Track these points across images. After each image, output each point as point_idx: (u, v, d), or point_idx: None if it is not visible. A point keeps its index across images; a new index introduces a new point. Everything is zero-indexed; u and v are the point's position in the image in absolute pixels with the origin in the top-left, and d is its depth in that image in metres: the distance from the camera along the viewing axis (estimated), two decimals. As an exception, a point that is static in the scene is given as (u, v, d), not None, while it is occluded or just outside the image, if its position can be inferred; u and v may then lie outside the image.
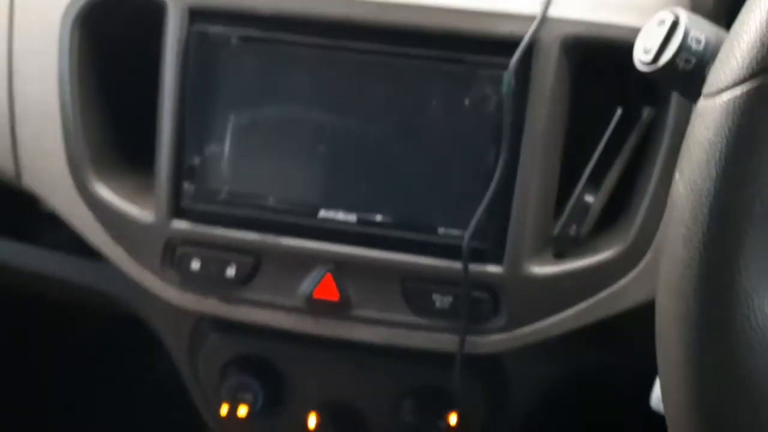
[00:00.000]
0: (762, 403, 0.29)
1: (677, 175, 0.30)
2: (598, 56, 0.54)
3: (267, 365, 0.66)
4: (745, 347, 0.29)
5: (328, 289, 0.57)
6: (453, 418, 0.64)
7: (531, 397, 0.67)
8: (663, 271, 0.31)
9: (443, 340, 0.58)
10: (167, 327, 0.70)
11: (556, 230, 0.57)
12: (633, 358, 0.63)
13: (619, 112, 0.55)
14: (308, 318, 0.59)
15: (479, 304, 0.56)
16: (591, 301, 0.56)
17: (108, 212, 0.60)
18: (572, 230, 0.56)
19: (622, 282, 0.56)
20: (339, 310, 0.58)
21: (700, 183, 0.29)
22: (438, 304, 0.56)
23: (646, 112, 0.55)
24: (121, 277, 0.70)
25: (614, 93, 0.56)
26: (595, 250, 0.56)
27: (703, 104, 0.29)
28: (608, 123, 0.55)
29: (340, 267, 0.57)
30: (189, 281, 0.59)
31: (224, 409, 0.66)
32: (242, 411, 0.66)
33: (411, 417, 0.65)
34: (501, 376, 0.66)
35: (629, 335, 0.63)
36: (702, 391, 0.30)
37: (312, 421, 0.67)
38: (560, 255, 0.57)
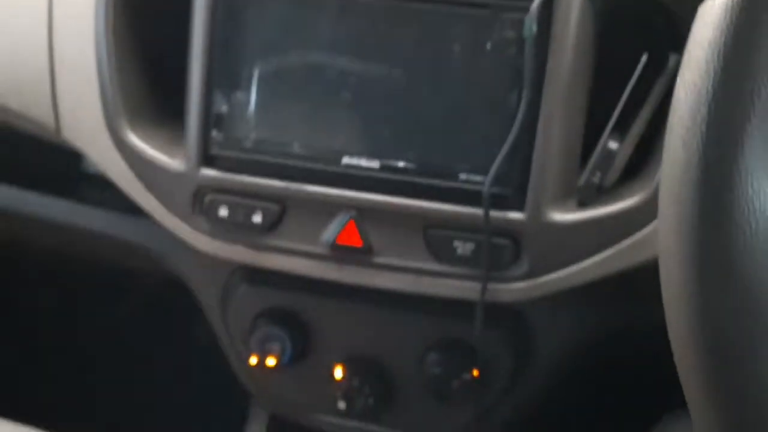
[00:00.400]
0: (762, 307, 0.29)
1: (678, 80, 0.30)
2: (623, 1, 0.53)
3: (295, 318, 0.67)
4: (745, 249, 0.28)
5: (351, 236, 0.58)
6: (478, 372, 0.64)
7: (555, 354, 0.66)
8: (663, 177, 0.31)
9: (465, 288, 0.58)
10: (200, 281, 0.72)
11: (582, 180, 0.56)
12: (659, 315, 0.63)
13: (644, 58, 0.55)
14: (332, 265, 0.60)
15: (500, 250, 0.56)
16: (614, 249, 0.56)
17: (141, 161, 0.62)
18: (597, 178, 0.56)
19: (646, 230, 0.55)
20: (362, 256, 0.59)
21: (699, 83, 0.28)
22: (460, 250, 0.56)
23: (673, 59, 0.55)
24: (157, 231, 0.72)
25: (640, 39, 0.55)
26: (619, 199, 0.56)
27: (703, 6, 0.29)
28: (634, 70, 0.55)
29: (363, 213, 0.58)
30: (218, 228, 0.61)
31: (253, 360, 0.68)
32: (271, 362, 0.67)
33: (435, 370, 0.65)
34: (524, 331, 0.65)
35: (656, 290, 0.62)
36: (701, 294, 0.30)
37: (338, 372, 0.68)
38: (584, 204, 0.56)
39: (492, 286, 0.57)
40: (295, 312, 0.67)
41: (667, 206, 0.30)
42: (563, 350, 0.66)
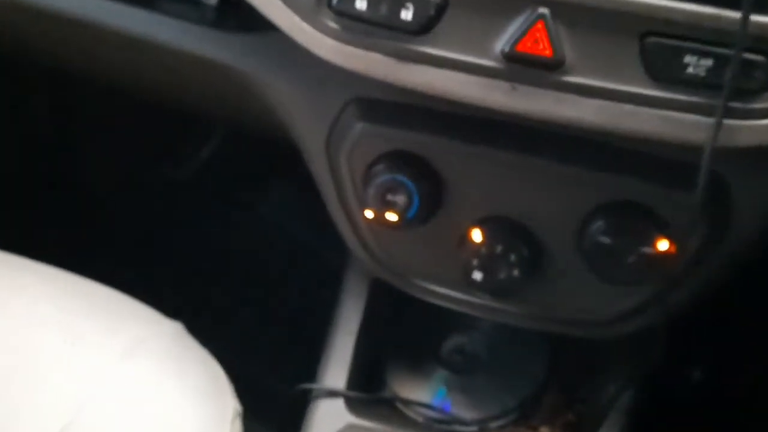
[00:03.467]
0: None
1: None
2: None
3: (424, 164, 0.53)
4: None
5: (537, 42, 0.43)
6: (663, 244, 0.50)
7: (753, 230, 0.52)
8: None
9: (687, 124, 0.43)
10: (303, 115, 0.57)
11: None
12: None
13: None
14: (502, 84, 0.45)
15: (751, 70, 0.40)
16: None
17: None
18: None
19: None
20: (548, 73, 0.43)
21: None
22: (691, 69, 0.41)
23: None
24: (251, 49, 0.58)
25: None
26: None
27: None
28: None
29: (556, 12, 0.42)
30: (350, 29, 0.46)
31: (369, 214, 0.54)
32: (391, 217, 0.53)
33: (604, 239, 0.51)
34: (723, 196, 0.51)
35: None
36: None
37: (477, 235, 0.54)
38: None
39: (728, 123, 0.42)
40: (423, 157, 0.53)
41: None
42: (763, 225, 0.52)
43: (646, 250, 0.50)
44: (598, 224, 0.51)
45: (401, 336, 0.68)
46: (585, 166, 0.51)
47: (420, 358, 0.67)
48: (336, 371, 0.63)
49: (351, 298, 0.66)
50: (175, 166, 0.98)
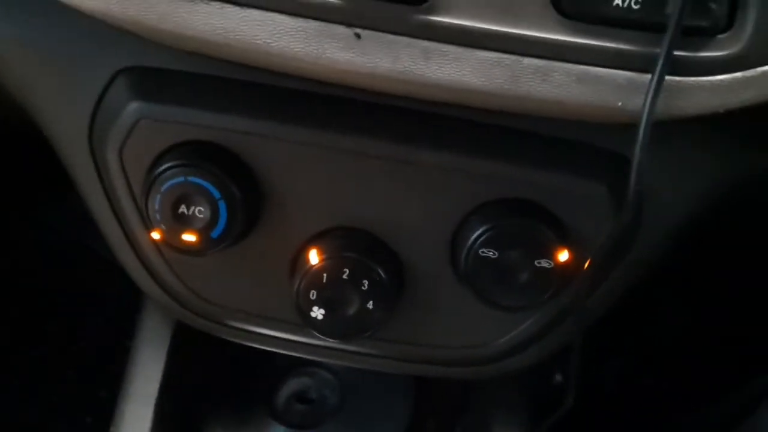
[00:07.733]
0: None
1: None
2: None
3: (232, 161, 0.39)
4: None
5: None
6: (564, 255, 0.38)
7: (667, 226, 0.41)
8: None
9: (613, 84, 0.30)
10: (50, 91, 0.41)
11: None
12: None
13: None
14: (339, 30, 0.30)
15: (705, 6, 0.28)
16: None
17: None
18: None
19: None
20: (409, 9, 0.29)
21: None
22: (620, 0, 0.28)
23: None
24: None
25: None
26: None
27: None
28: None
29: None
30: None
31: (155, 235, 0.40)
32: (189, 237, 0.39)
33: (487, 252, 0.38)
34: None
35: None
36: None
37: (313, 257, 0.39)
38: None
39: (672, 81, 0.29)
40: (230, 149, 0.40)
41: None
42: (680, 217, 0.41)
43: (544, 264, 0.37)
44: (480, 232, 0.38)
45: (221, 383, 0.56)
46: (458, 152, 0.38)
47: (247, 412, 0.56)
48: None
49: (147, 350, 0.49)
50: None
